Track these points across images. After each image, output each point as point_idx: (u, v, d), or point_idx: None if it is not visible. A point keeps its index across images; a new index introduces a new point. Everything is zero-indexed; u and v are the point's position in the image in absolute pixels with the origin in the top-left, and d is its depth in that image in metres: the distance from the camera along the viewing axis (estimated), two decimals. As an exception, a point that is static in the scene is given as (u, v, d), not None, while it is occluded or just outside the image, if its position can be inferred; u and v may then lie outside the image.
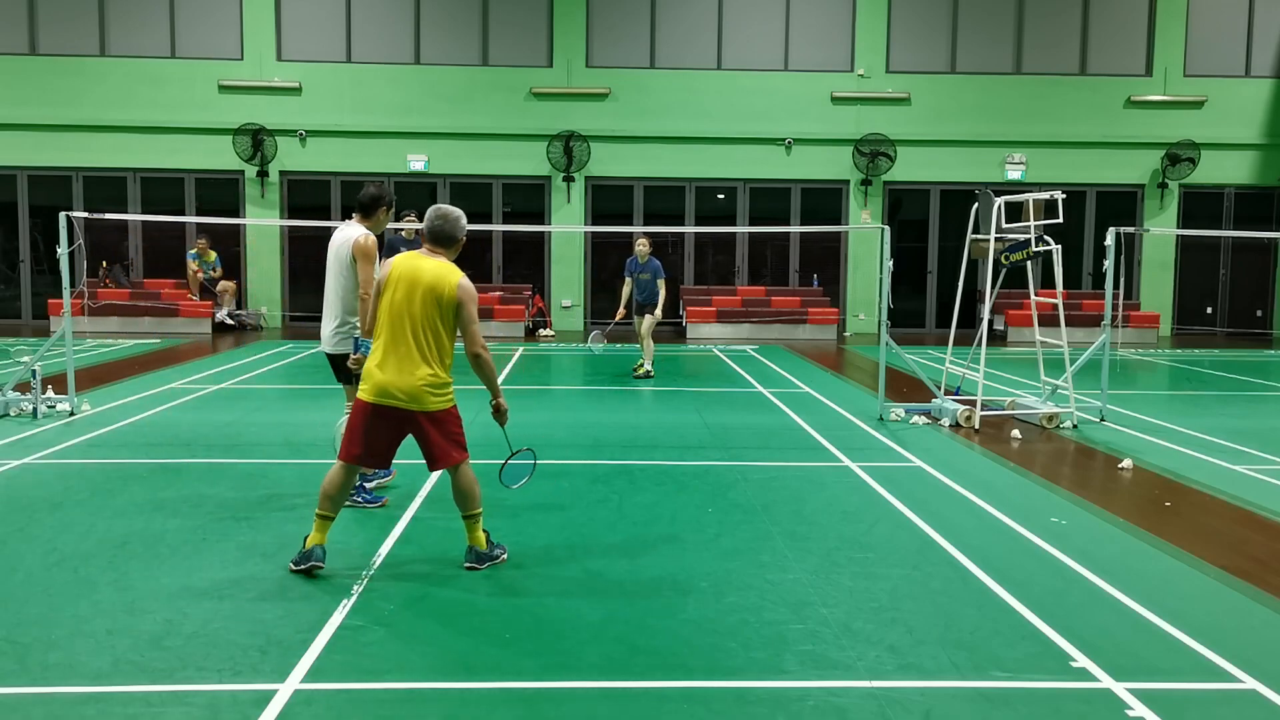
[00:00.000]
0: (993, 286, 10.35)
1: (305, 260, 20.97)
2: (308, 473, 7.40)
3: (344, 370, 6.53)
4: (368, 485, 6.81)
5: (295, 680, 4.01)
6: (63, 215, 9.87)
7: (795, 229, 20.52)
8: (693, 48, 20.73)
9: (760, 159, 20.84)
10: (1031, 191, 10.28)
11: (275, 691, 3.91)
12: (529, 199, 21.15)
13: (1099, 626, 4.68)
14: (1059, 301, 10.41)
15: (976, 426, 9.73)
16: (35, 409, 9.57)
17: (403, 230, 9.88)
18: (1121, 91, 20.96)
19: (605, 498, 6.98)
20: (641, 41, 20.69)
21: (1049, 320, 14.20)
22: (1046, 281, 18.74)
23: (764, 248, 21.71)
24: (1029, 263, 10.22)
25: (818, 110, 20.72)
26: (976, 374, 10.61)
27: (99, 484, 7.14)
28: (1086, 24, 21.06)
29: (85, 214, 10.49)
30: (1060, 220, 9.95)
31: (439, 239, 5.32)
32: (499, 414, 5.50)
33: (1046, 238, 10.07)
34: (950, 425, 9.89)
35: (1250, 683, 4.11)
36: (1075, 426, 9.96)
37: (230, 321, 19.43)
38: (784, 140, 20.75)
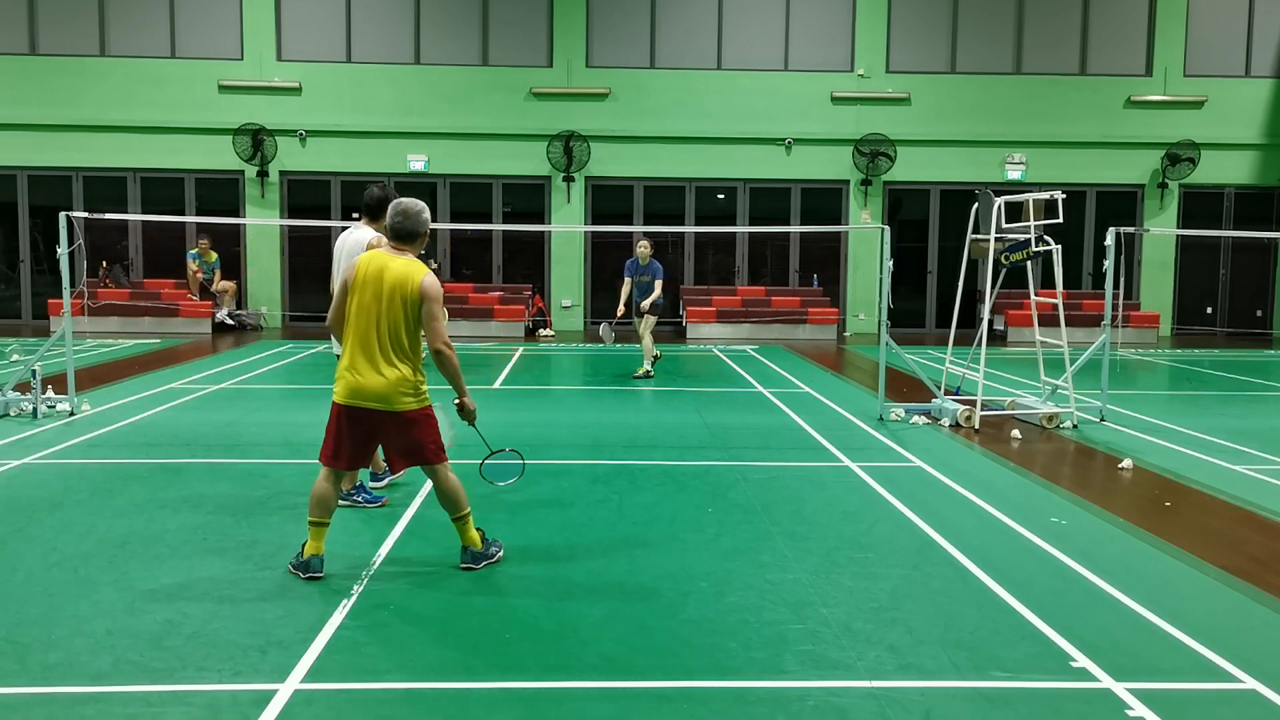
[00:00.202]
0: (993, 286, 10.35)
1: (305, 260, 20.99)
2: (308, 473, 7.37)
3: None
4: (376, 485, 6.80)
5: (295, 680, 4.01)
6: (63, 215, 9.87)
7: (795, 229, 20.52)
8: (693, 48, 20.73)
9: (760, 159, 20.84)
10: (1031, 191, 10.28)
11: (275, 691, 3.91)
12: (529, 199, 21.15)
13: (1099, 626, 4.68)
14: (1059, 301, 10.40)
15: (976, 426, 9.73)
16: (35, 409, 9.57)
17: None
18: (1121, 91, 20.96)
19: (605, 498, 6.98)
20: (641, 41, 20.69)
21: (1049, 320, 14.20)
22: (1046, 281, 18.74)
23: (764, 248, 21.71)
24: (1029, 263, 10.22)
25: (818, 110, 20.72)
26: (976, 374, 10.61)
27: (99, 484, 7.14)
28: (1086, 24, 21.06)
29: (85, 214, 10.49)
30: (1060, 220, 9.95)
31: (402, 236, 5.23)
32: (464, 413, 5.41)
33: (1046, 238, 10.07)
34: (950, 425, 9.89)
35: (1250, 683, 4.11)
36: (1075, 426, 9.96)
37: (230, 321, 19.43)
38: (784, 140, 20.75)
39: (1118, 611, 4.90)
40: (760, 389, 12.48)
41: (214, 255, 19.56)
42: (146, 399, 10.89)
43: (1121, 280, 11.47)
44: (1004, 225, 10.05)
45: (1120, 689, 4.03)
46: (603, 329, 13.30)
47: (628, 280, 13.41)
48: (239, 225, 20.39)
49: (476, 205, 21.02)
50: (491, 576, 5.29)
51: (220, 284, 19.61)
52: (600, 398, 11.99)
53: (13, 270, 20.73)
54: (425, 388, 5.25)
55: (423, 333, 5.19)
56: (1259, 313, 21.87)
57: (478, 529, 5.42)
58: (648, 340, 13.37)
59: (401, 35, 20.53)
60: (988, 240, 10.05)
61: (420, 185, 20.49)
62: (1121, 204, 21.36)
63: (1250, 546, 6.05)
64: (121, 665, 4.13)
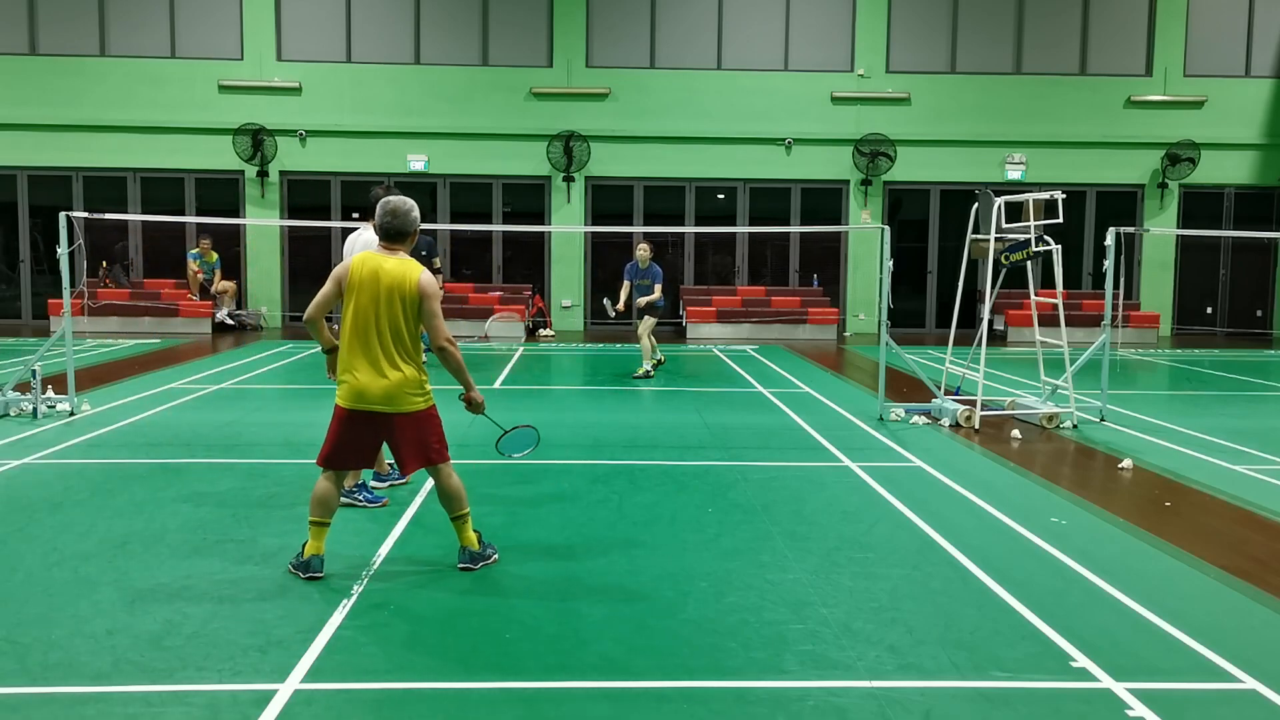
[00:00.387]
0: (993, 286, 10.35)
1: (305, 260, 21.00)
2: (308, 473, 7.38)
3: None
4: (378, 485, 6.80)
5: (295, 680, 4.01)
6: (63, 215, 9.87)
7: (795, 229, 20.52)
8: (693, 48, 20.73)
9: (760, 159, 20.84)
10: (1031, 191, 10.28)
11: (275, 691, 3.91)
12: (529, 199, 21.15)
13: (1099, 626, 4.68)
14: (1059, 301, 10.40)
15: (976, 426, 9.72)
16: (35, 409, 9.57)
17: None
18: (1121, 91, 20.96)
19: (605, 498, 6.98)
20: (641, 41, 20.69)
21: (1049, 320, 14.20)
22: (1046, 281, 18.74)
23: (764, 248, 21.71)
24: (1029, 263, 10.22)
25: (818, 110, 20.72)
26: (976, 374, 10.61)
27: (99, 484, 7.14)
28: (1086, 24, 21.06)
29: (85, 214, 10.49)
30: (1060, 220, 9.95)
31: (392, 235, 5.19)
32: (472, 407, 5.41)
33: (1046, 238, 10.07)
34: (950, 425, 9.89)
35: (1250, 683, 4.11)
36: (1075, 426, 9.96)
37: (230, 321, 19.43)
38: (784, 140, 20.75)
39: (1118, 611, 4.89)
40: (760, 389, 12.48)
41: (214, 255, 19.56)
42: (146, 399, 10.89)
43: (1121, 280, 11.47)
44: (1004, 225, 10.05)
45: (1120, 689, 4.03)
46: (605, 301, 13.56)
47: (627, 283, 13.46)
48: (239, 225, 20.39)
49: (476, 205, 21.02)
50: (491, 576, 5.29)
51: (220, 284, 19.61)
52: (600, 398, 11.99)
53: (13, 270, 20.73)
54: (429, 386, 5.25)
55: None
56: (1259, 313, 21.87)
57: (475, 530, 5.42)
58: (647, 341, 13.38)
59: (401, 35, 20.53)
60: (988, 240, 10.05)
61: (420, 185, 20.49)
62: (1121, 204, 21.36)
63: (1250, 546, 6.05)
64: (121, 665, 4.13)
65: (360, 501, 6.54)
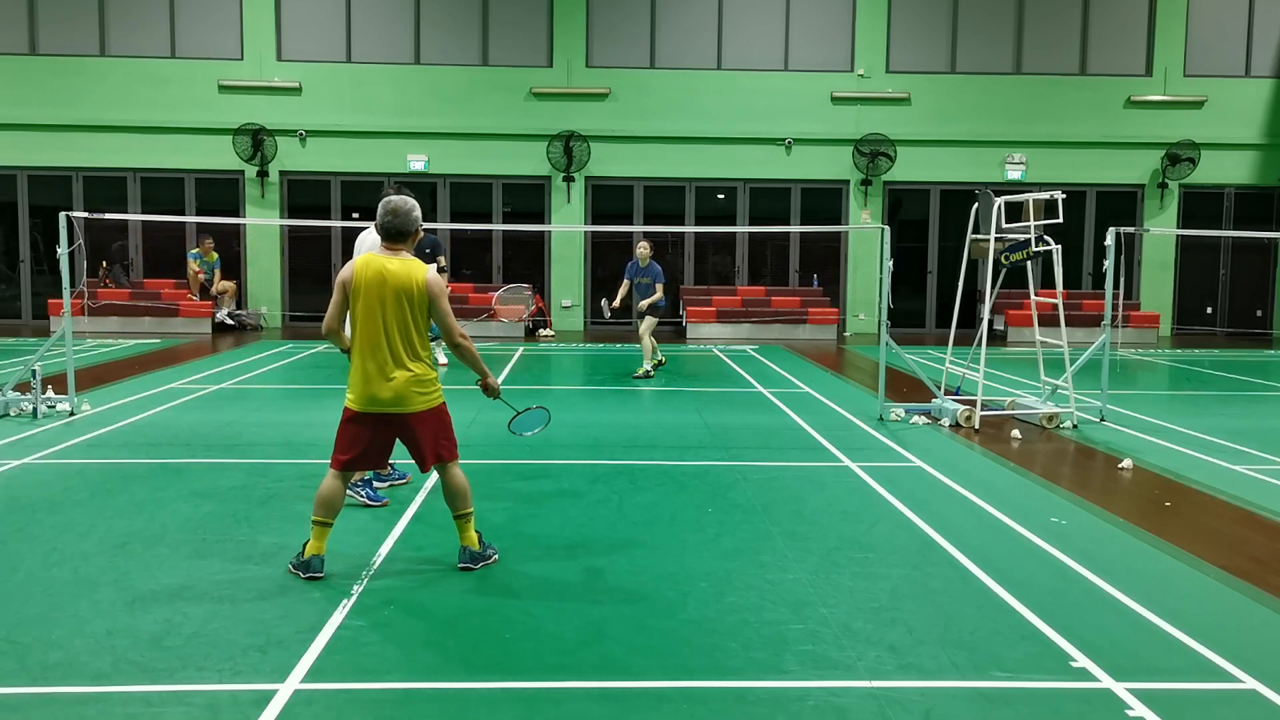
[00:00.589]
0: (993, 286, 10.35)
1: (305, 260, 21.00)
2: (308, 472, 7.40)
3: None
4: (379, 485, 6.79)
5: (295, 680, 4.01)
6: (63, 215, 9.87)
7: (795, 229, 20.51)
8: (693, 48, 20.73)
9: (760, 159, 20.84)
10: (1031, 191, 10.28)
11: (275, 691, 3.90)
12: (529, 199, 21.15)
13: (1099, 626, 4.68)
14: (1059, 301, 10.40)
15: (976, 426, 9.72)
16: (35, 409, 9.57)
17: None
18: (1121, 91, 20.96)
19: (605, 498, 6.98)
20: (641, 41, 20.70)
21: (1049, 320, 14.20)
22: (1046, 281, 18.75)
23: (764, 248, 21.71)
24: (1029, 263, 10.22)
25: (818, 110, 20.72)
26: (976, 374, 10.61)
27: (99, 484, 7.14)
28: (1086, 24, 21.06)
29: (85, 214, 10.49)
30: (1060, 220, 9.95)
31: (393, 235, 5.18)
32: (489, 392, 5.54)
33: (1046, 238, 10.07)
34: (950, 425, 9.89)
35: (1250, 683, 4.11)
36: (1075, 426, 9.96)
37: (230, 321, 19.43)
38: (784, 140, 20.75)
39: (1118, 611, 4.89)
40: (760, 389, 12.48)
41: (215, 255, 19.56)
42: (146, 399, 10.89)
43: (1121, 280, 11.47)
44: (1004, 225, 10.05)
45: (1120, 689, 4.03)
46: (602, 302, 13.54)
47: (626, 282, 13.47)
48: (239, 225, 20.39)
49: (476, 205, 21.02)
50: (492, 576, 5.29)
51: (220, 284, 19.61)
52: (600, 398, 11.99)
53: (13, 270, 20.73)
54: (439, 385, 5.26)
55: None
56: (1259, 313, 21.87)
57: (476, 531, 5.42)
58: (647, 341, 13.39)
59: (401, 35, 20.53)
60: (988, 240, 10.05)
61: (420, 185, 20.48)
62: (1121, 204, 21.36)
63: (1250, 546, 6.05)
64: (121, 665, 4.13)
65: (361, 496, 6.53)
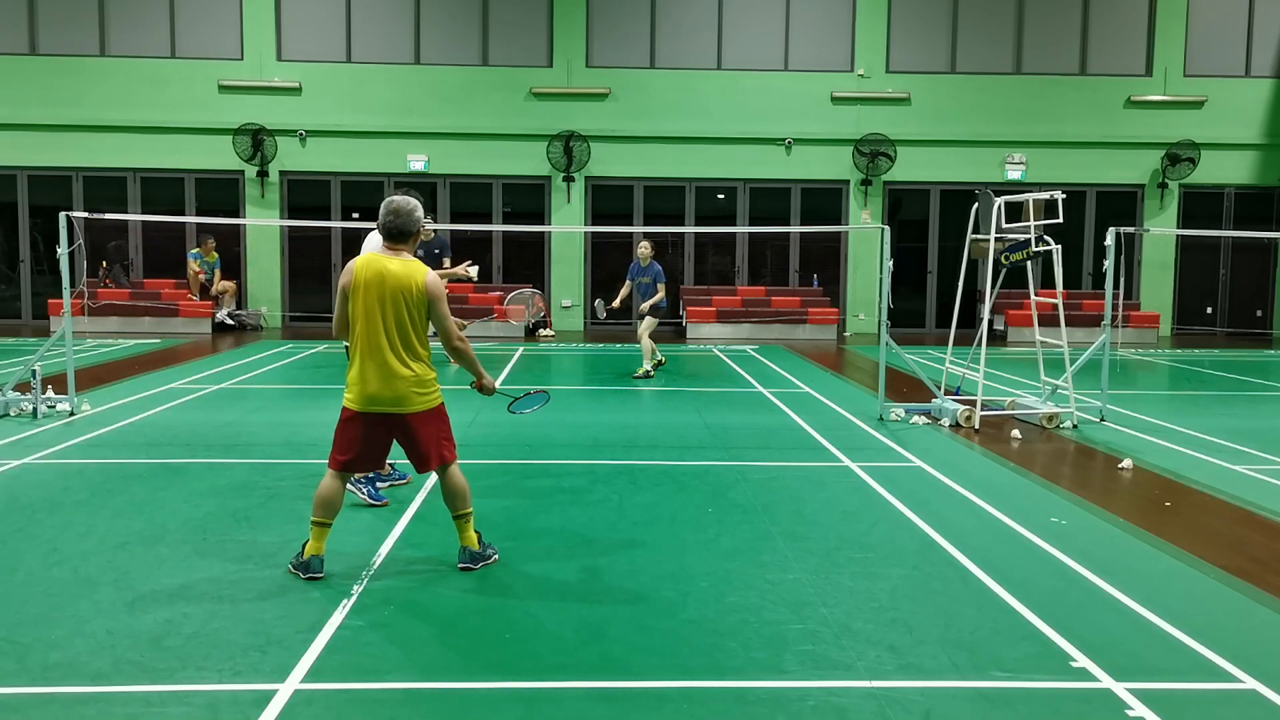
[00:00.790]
0: (993, 286, 10.35)
1: (305, 260, 21.00)
2: (308, 472, 7.40)
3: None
4: (380, 485, 6.78)
5: (295, 680, 4.01)
6: (63, 215, 9.87)
7: (795, 229, 20.52)
8: (693, 48, 20.73)
9: (760, 159, 20.84)
10: (1031, 191, 10.28)
11: (275, 691, 3.91)
12: (529, 199, 21.15)
13: (1099, 626, 4.68)
14: (1059, 301, 10.40)
15: (976, 426, 9.72)
16: (35, 409, 9.57)
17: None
18: (1121, 91, 20.96)
19: (605, 498, 6.98)
20: (641, 41, 20.69)
21: (1049, 320, 14.20)
22: (1046, 281, 18.74)
23: (764, 248, 21.71)
24: (1029, 263, 10.22)
25: (818, 110, 20.72)
26: (976, 374, 10.61)
27: (99, 484, 7.14)
28: (1086, 24, 21.06)
29: (85, 214, 10.49)
30: (1060, 220, 9.95)
31: (395, 235, 5.18)
32: (483, 391, 5.57)
33: (1046, 238, 10.07)
34: (950, 425, 9.89)
35: (1250, 683, 4.11)
36: (1075, 426, 9.96)
37: (230, 321, 19.43)
38: (784, 140, 20.75)
39: (1118, 611, 4.89)
40: (760, 389, 12.48)
41: (215, 255, 19.56)
42: (146, 399, 10.89)
43: (1121, 280, 11.47)
44: (1004, 225, 10.05)
45: (1120, 689, 4.03)
46: (597, 303, 13.51)
47: (627, 283, 13.48)
48: (239, 225, 20.39)
49: (476, 205, 21.01)
50: (491, 576, 5.29)
51: (220, 284, 19.61)
52: (600, 398, 11.99)
53: (13, 270, 20.73)
54: (438, 385, 5.26)
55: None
56: (1259, 313, 21.87)
57: (476, 530, 5.42)
58: (647, 341, 13.39)
59: (401, 35, 20.53)
60: (988, 240, 10.05)
61: (420, 185, 20.47)
62: (1121, 204, 21.36)
63: (1250, 546, 6.05)
64: (121, 665, 4.13)
65: (362, 492, 6.53)
